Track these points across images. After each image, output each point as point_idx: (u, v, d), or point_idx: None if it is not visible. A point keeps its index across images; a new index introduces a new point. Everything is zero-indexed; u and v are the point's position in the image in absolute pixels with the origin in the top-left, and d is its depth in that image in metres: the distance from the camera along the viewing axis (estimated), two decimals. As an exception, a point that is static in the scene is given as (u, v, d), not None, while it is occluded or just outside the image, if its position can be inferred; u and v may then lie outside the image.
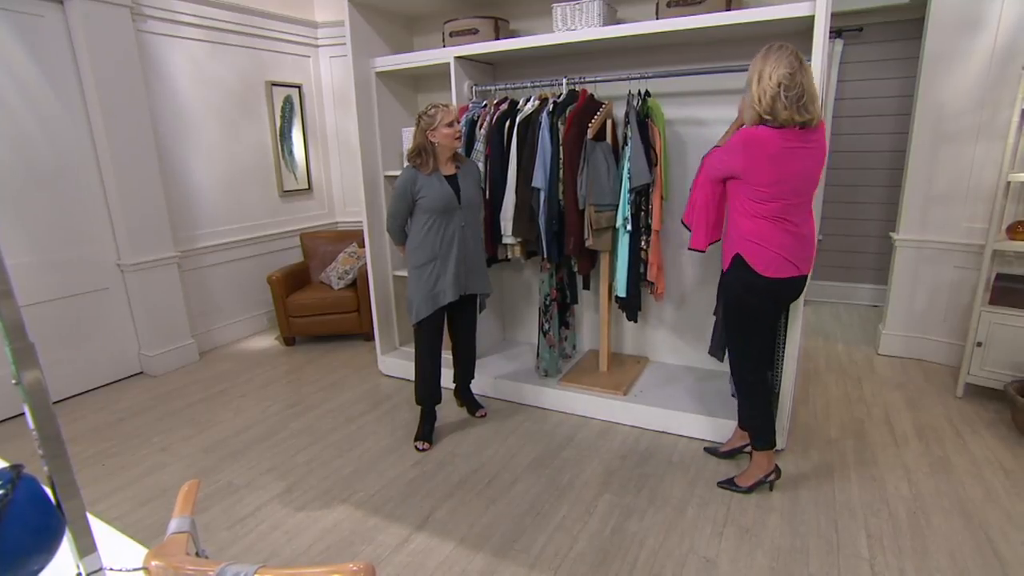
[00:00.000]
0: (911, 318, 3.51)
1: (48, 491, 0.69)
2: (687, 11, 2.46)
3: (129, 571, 0.78)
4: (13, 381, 0.64)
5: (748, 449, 2.49)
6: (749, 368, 2.20)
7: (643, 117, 2.63)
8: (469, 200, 2.56)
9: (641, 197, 2.67)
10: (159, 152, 3.54)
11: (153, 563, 0.74)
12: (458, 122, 2.52)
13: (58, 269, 3.20)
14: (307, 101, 4.54)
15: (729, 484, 2.30)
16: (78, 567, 0.72)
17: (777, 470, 2.26)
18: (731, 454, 2.53)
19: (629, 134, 2.58)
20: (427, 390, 2.73)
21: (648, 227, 2.69)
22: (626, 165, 2.57)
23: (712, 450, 2.58)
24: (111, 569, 0.78)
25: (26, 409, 0.66)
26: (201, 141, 3.86)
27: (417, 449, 2.67)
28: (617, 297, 2.79)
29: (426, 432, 2.73)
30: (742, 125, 2.03)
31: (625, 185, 2.59)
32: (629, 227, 2.63)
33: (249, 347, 4.11)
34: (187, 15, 3.63)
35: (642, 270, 2.75)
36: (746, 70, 1.97)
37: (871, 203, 4.40)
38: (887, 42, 4.09)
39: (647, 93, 2.68)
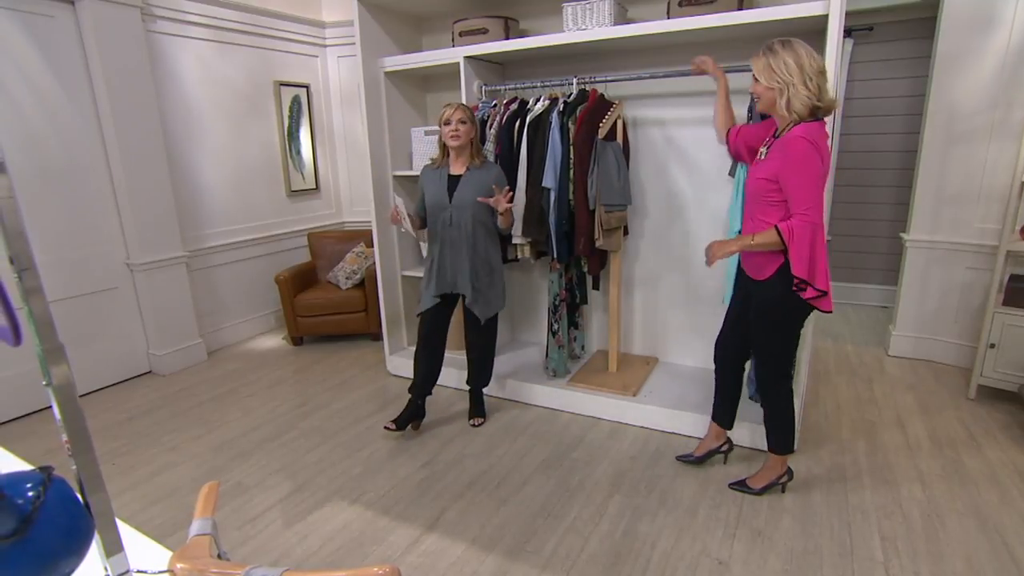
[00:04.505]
0: (922, 319, 3.49)
1: (77, 493, 0.69)
2: (699, 10, 2.45)
3: (155, 573, 0.78)
4: (44, 383, 0.64)
5: (724, 449, 2.44)
6: (784, 372, 2.13)
7: None
8: (461, 201, 2.55)
9: None
10: (168, 151, 3.55)
11: (178, 565, 0.73)
12: (457, 120, 2.50)
13: (67, 268, 3.20)
14: (315, 101, 4.54)
15: (741, 486, 2.28)
16: (106, 568, 0.71)
17: (790, 472, 2.25)
18: (706, 457, 2.44)
19: None
20: (416, 378, 2.80)
21: None
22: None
23: (685, 457, 2.47)
24: (137, 571, 0.77)
25: (53, 402, 0.65)
26: (209, 141, 3.87)
27: (384, 427, 2.72)
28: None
29: (402, 418, 2.75)
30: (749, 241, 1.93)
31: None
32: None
33: (257, 347, 4.12)
34: (196, 15, 3.64)
35: None
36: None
37: (881, 203, 4.38)
38: (898, 41, 4.07)
39: None
